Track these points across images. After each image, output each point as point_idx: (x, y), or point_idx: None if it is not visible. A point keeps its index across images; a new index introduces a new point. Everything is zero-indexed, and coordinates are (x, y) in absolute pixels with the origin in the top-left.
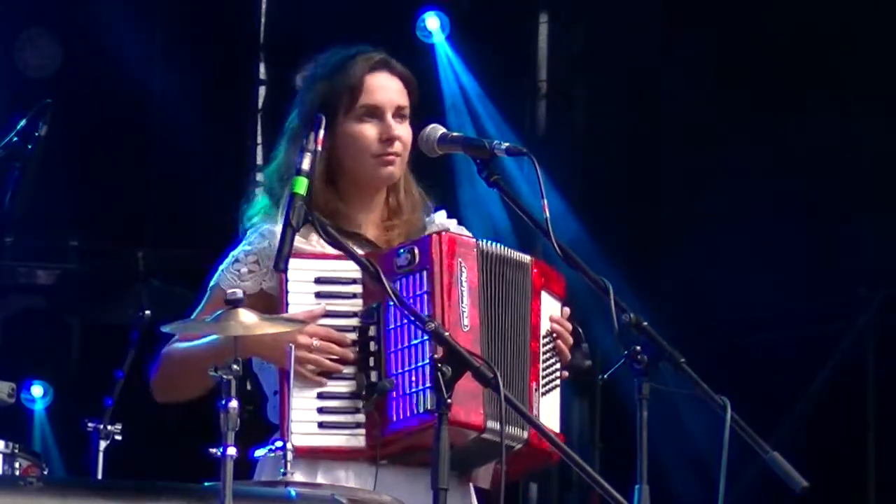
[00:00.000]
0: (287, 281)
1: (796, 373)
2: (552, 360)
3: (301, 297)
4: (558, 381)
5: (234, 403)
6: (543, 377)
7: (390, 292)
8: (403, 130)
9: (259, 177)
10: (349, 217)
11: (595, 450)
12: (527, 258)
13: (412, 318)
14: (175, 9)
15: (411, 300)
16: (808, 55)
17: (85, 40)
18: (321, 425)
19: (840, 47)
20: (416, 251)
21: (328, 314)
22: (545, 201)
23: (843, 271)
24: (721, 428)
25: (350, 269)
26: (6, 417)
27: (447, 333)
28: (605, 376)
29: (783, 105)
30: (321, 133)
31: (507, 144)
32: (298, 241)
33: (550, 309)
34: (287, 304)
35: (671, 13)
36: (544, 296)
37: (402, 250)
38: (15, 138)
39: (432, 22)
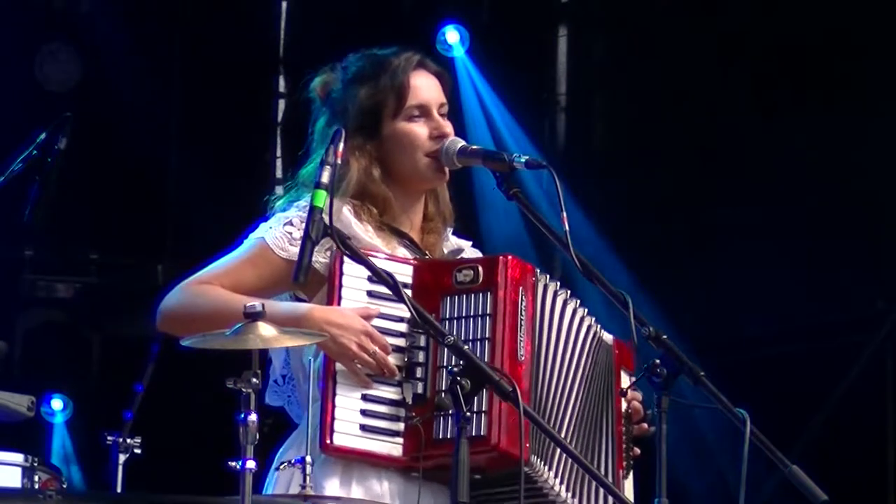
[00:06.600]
0: (342, 274)
1: (815, 385)
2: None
3: (354, 292)
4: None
5: (253, 417)
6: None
7: (409, 305)
8: (450, 127)
9: (279, 190)
10: (397, 216)
11: None
12: (610, 339)
13: (431, 332)
14: (194, 23)
15: (472, 319)
16: (834, 61)
17: (104, 55)
18: (363, 428)
19: (860, 52)
20: (481, 270)
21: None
22: (565, 214)
23: (861, 284)
24: (741, 441)
25: (403, 272)
26: (26, 431)
27: (467, 347)
28: (627, 390)
29: (807, 112)
30: (341, 146)
31: (526, 157)
32: (358, 231)
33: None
34: (341, 298)
35: (690, 26)
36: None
37: (463, 265)
38: (35, 151)
39: (452, 35)
